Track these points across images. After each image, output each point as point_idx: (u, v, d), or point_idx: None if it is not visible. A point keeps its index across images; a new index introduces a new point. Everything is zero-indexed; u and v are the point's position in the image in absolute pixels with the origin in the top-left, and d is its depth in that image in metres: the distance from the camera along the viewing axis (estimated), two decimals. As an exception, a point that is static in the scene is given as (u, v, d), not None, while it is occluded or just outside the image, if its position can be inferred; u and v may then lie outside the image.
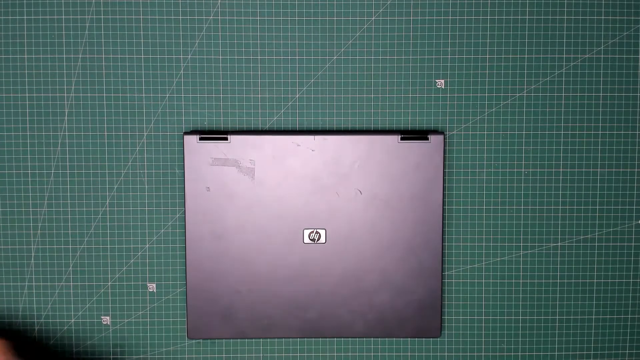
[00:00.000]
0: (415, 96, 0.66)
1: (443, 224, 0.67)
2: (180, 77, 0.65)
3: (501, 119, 0.66)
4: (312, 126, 0.66)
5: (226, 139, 0.64)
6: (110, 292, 0.67)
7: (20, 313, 0.67)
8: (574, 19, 0.66)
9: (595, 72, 0.66)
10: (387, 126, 0.66)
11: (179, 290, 0.67)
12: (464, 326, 0.68)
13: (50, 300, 0.67)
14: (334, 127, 0.66)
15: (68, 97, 0.65)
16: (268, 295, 0.65)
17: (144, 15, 0.65)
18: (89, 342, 0.68)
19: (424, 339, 0.68)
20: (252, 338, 0.66)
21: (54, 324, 0.67)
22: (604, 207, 0.67)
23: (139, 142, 0.66)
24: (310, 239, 0.65)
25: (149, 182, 0.66)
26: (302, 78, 0.66)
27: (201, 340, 0.67)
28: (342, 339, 0.68)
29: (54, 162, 0.66)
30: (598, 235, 0.67)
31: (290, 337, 0.66)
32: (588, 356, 0.68)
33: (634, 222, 0.67)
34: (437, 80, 0.66)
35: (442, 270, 0.67)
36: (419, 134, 0.64)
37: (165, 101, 0.66)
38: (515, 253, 0.68)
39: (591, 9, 0.66)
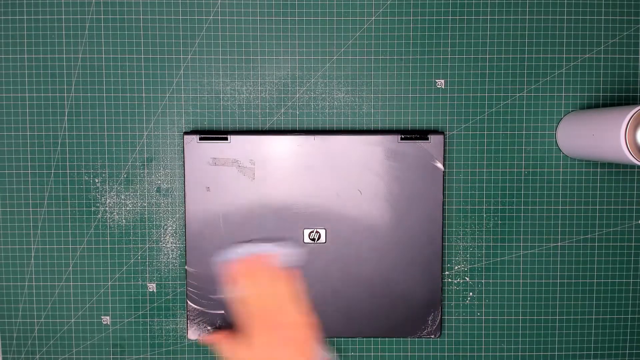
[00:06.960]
0: (415, 96, 0.66)
1: (443, 224, 0.67)
2: (180, 77, 0.65)
3: (501, 119, 0.66)
4: (312, 126, 0.66)
5: (226, 139, 0.64)
6: (110, 292, 0.67)
7: (20, 313, 0.67)
8: (574, 19, 0.66)
9: (595, 72, 0.66)
10: (387, 126, 0.66)
11: (179, 290, 0.67)
12: (464, 326, 0.68)
13: (50, 300, 0.67)
14: (334, 127, 0.66)
15: (68, 97, 0.65)
16: (268, 295, 0.65)
17: (144, 15, 0.65)
18: (89, 342, 0.68)
19: (424, 339, 0.68)
20: (252, 338, 0.66)
21: (54, 324, 0.67)
22: (604, 207, 0.67)
23: (139, 142, 0.66)
24: (310, 239, 0.65)
25: (149, 182, 0.66)
26: (302, 78, 0.66)
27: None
28: (342, 338, 0.68)
29: (54, 162, 0.66)
30: (598, 235, 0.67)
31: (290, 337, 0.66)
32: (588, 356, 0.68)
33: (634, 222, 0.67)
34: (437, 80, 0.66)
35: (442, 270, 0.67)
36: (419, 134, 0.64)
37: (165, 101, 0.66)
38: (515, 253, 0.68)
39: (591, 9, 0.66)
